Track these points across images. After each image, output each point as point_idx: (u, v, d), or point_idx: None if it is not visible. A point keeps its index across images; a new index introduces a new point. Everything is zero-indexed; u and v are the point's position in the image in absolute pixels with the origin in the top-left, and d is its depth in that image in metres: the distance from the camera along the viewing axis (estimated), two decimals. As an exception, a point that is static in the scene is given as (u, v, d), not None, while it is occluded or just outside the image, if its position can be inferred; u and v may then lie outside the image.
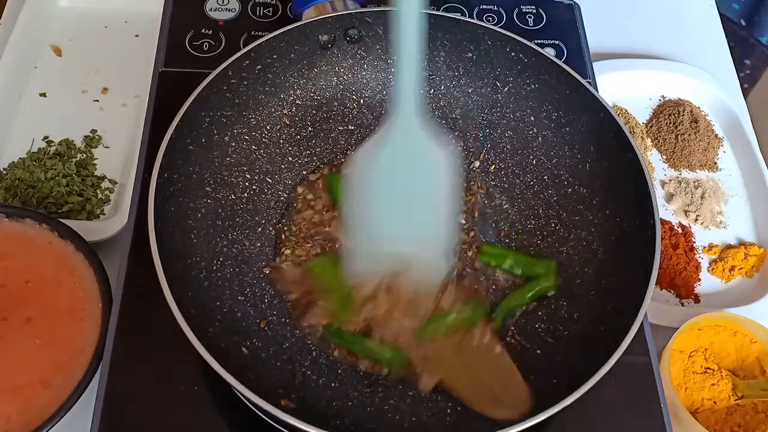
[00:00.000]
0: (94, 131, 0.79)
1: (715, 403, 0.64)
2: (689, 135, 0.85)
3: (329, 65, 0.69)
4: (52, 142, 0.78)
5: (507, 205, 0.68)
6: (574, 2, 0.84)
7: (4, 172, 0.75)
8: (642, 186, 0.59)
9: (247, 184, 0.64)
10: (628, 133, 0.61)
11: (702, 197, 0.81)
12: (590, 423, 0.58)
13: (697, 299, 0.75)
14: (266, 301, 0.61)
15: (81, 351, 0.59)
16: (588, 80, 0.76)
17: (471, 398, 0.55)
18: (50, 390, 0.57)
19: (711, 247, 0.79)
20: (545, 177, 0.67)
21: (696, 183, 0.83)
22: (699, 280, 0.76)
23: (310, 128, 0.69)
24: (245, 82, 0.64)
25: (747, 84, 0.94)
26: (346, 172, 0.56)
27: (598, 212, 0.63)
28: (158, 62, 0.74)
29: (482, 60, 0.68)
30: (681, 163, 0.85)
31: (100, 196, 0.75)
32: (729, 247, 0.79)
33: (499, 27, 0.68)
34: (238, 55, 0.63)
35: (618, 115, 0.63)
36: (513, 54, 0.67)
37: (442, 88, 0.70)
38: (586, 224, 0.63)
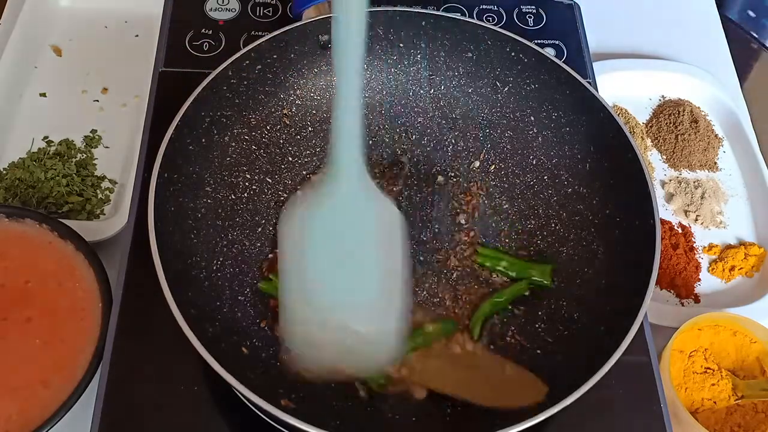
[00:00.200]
0: (94, 131, 0.79)
1: (715, 403, 0.64)
2: (689, 135, 0.85)
3: (329, 65, 0.69)
4: (52, 142, 0.78)
5: (507, 205, 0.68)
6: (574, 2, 0.84)
7: (4, 172, 0.75)
8: (642, 186, 0.59)
9: (247, 184, 0.64)
10: (628, 133, 0.61)
11: (702, 197, 0.81)
12: (590, 423, 0.58)
13: (697, 299, 0.75)
14: (266, 301, 0.61)
15: (81, 351, 0.59)
16: (588, 80, 0.76)
17: (482, 399, 0.54)
18: (50, 390, 0.57)
19: (711, 247, 0.79)
20: (545, 177, 0.67)
21: (696, 183, 0.83)
22: (699, 280, 0.76)
23: (310, 128, 0.69)
24: (245, 82, 0.64)
25: (747, 84, 0.94)
26: (281, 229, 0.51)
27: (598, 212, 0.63)
28: (158, 62, 0.74)
29: (482, 60, 0.68)
30: (681, 163, 0.85)
31: (100, 196, 0.75)
32: (729, 247, 0.79)
33: (499, 27, 0.68)
34: (238, 55, 0.63)
35: (618, 115, 0.63)
36: (513, 54, 0.67)
37: (442, 88, 0.70)
38: (586, 224, 0.63)
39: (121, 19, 0.89)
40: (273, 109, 0.67)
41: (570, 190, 0.65)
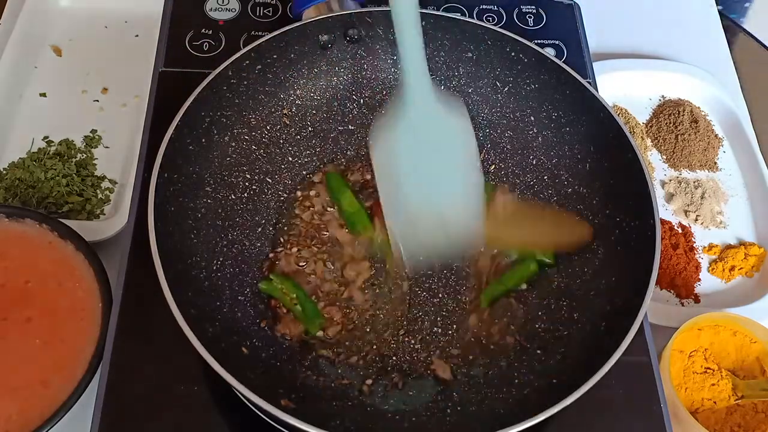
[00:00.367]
0: (94, 131, 0.79)
1: (715, 403, 0.64)
2: (689, 135, 0.85)
3: (329, 65, 0.69)
4: (52, 142, 0.78)
5: (507, 205, 0.68)
6: (574, 2, 0.84)
7: (4, 172, 0.75)
8: (642, 186, 0.59)
9: (247, 184, 0.64)
10: (628, 133, 0.61)
11: (702, 197, 0.81)
12: (590, 423, 0.58)
13: (697, 299, 0.75)
14: (266, 301, 0.61)
15: (81, 351, 0.59)
16: (588, 80, 0.76)
17: (535, 246, 0.62)
18: (50, 390, 0.57)
19: (711, 247, 0.79)
20: (545, 177, 0.67)
21: (696, 183, 0.83)
22: (699, 280, 0.76)
23: (310, 128, 0.69)
24: (245, 82, 0.64)
25: (747, 84, 0.94)
26: (371, 153, 0.57)
27: (598, 212, 0.63)
28: (158, 62, 0.74)
29: (482, 60, 0.68)
30: (681, 163, 0.85)
31: (100, 196, 0.75)
32: (729, 247, 0.79)
33: (499, 27, 0.68)
34: (238, 55, 0.63)
35: (618, 115, 0.63)
36: (513, 54, 0.67)
37: (442, 88, 0.70)
38: (586, 224, 0.63)
39: (121, 19, 0.89)
40: (273, 109, 0.67)
41: (570, 190, 0.65)
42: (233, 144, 0.64)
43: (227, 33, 0.78)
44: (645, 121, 0.88)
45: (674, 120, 0.86)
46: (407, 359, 0.59)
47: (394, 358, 0.59)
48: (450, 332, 0.61)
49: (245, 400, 0.52)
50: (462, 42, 0.68)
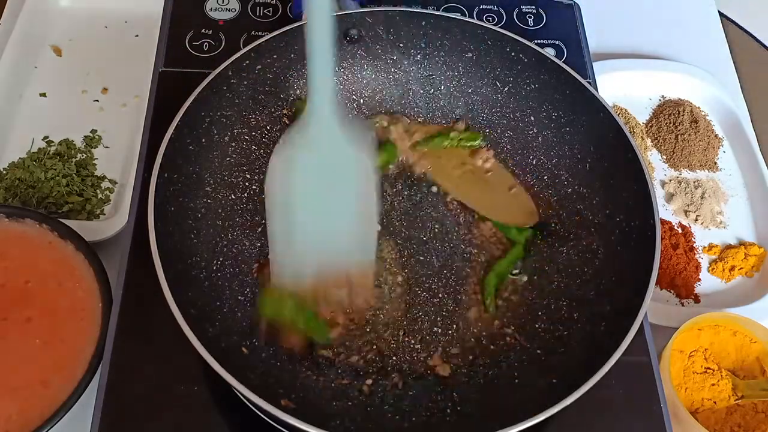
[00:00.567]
0: (94, 131, 0.79)
1: (715, 403, 0.64)
2: (689, 135, 0.85)
3: (329, 65, 0.69)
4: (52, 142, 0.78)
5: (507, 205, 0.68)
6: (574, 2, 0.84)
7: (4, 172, 0.75)
8: (642, 186, 0.59)
9: (247, 184, 0.64)
10: (628, 133, 0.61)
11: (702, 197, 0.81)
12: (590, 423, 0.58)
13: (697, 299, 0.75)
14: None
15: (81, 351, 0.59)
16: (588, 80, 0.76)
17: (482, 209, 0.66)
18: (50, 390, 0.57)
19: (711, 247, 0.79)
20: (545, 177, 0.67)
21: (696, 183, 0.83)
22: (699, 280, 0.76)
23: (310, 128, 0.69)
24: (245, 82, 0.64)
25: (747, 84, 0.94)
26: (267, 176, 0.55)
27: (598, 212, 0.63)
28: (158, 62, 0.74)
29: (482, 60, 0.68)
30: (681, 163, 0.85)
31: (100, 196, 0.75)
32: (729, 247, 0.79)
33: (499, 27, 0.68)
34: (238, 55, 0.63)
35: (618, 115, 0.63)
36: (513, 54, 0.67)
37: (442, 88, 0.70)
38: (586, 224, 0.63)
39: (121, 19, 0.89)
40: (273, 109, 0.67)
41: (570, 190, 0.65)
42: (233, 144, 0.64)
43: (227, 33, 0.78)
44: (645, 121, 0.88)
45: (674, 120, 0.86)
46: (407, 359, 0.59)
47: (394, 358, 0.59)
48: (450, 332, 0.61)
49: (245, 400, 0.52)
50: (462, 42, 0.68)
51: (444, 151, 0.69)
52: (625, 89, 0.89)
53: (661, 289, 0.75)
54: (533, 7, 0.84)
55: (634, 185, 0.59)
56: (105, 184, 0.76)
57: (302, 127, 0.52)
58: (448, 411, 0.55)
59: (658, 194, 0.82)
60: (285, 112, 0.68)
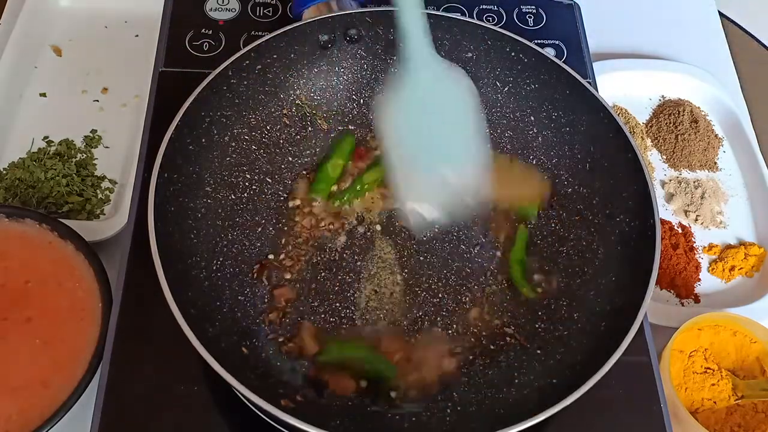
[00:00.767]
0: (94, 131, 0.79)
1: (715, 403, 0.64)
2: (689, 135, 0.85)
3: (329, 65, 0.69)
4: (52, 142, 0.78)
5: (507, 205, 0.68)
6: (574, 2, 0.84)
7: (4, 172, 0.75)
8: (642, 186, 0.59)
9: (247, 184, 0.64)
10: (628, 133, 0.61)
11: (702, 197, 0.81)
12: (590, 423, 0.58)
13: (697, 299, 0.75)
14: (266, 300, 0.61)
15: (81, 351, 0.59)
16: (588, 80, 0.76)
17: (502, 195, 0.66)
18: (50, 390, 0.57)
19: (711, 247, 0.79)
20: (545, 177, 0.67)
21: (696, 183, 0.83)
22: (699, 280, 0.76)
23: (310, 128, 0.69)
24: (245, 82, 0.64)
25: (747, 84, 0.94)
26: (377, 116, 0.60)
27: (598, 212, 0.63)
28: (158, 62, 0.74)
29: (482, 60, 0.68)
30: (681, 163, 0.85)
31: (100, 196, 0.75)
32: (729, 247, 0.79)
33: (499, 27, 0.68)
34: (238, 55, 0.63)
35: (618, 115, 0.63)
36: (513, 54, 0.67)
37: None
38: (586, 224, 0.63)
39: (121, 19, 0.89)
40: (273, 109, 0.67)
41: (570, 190, 0.65)
42: (233, 144, 0.64)
43: (227, 33, 0.78)
44: (645, 121, 0.88)
45: (674, 120, 0.86)
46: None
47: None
48: (450, 332, 0.61)
49: (245, 400, 0.52)
50: (462, 42, 0.68)
51: None
52: (625, 89, 0.89)
53: (661, 289, 0.75)
54: (533, 7, 0.84)
55: (634, 185, 0.59)
56: (105, 184, 0.76)
57: (405, 70, 0.56)
58: (448, 411, 0.55)
59: (658, 194, 0.82)
60: (285, 112, 0.68)
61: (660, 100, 0.90)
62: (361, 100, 0.70)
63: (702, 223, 0.80)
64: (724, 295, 0.76)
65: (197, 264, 0.57)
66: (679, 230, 0.79)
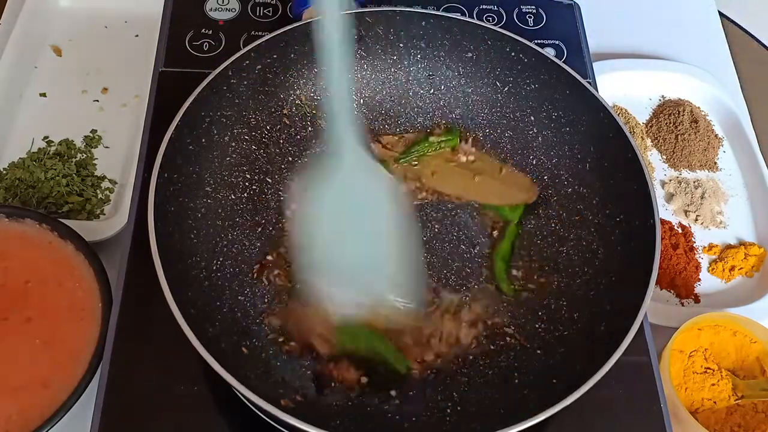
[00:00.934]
0: (94, 131, 0.79)
1: (715, 403, 0.64)
2: (689, 135, 0.85)
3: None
4: (52, 142, 0.78)
5: (507, 205, 0.68)
6: (574, 2, 0.84)
7: (4, 172, 0.75)
8: (642, 186, 0.59)
9: (247, 184, 0.64)
10: (628, 133, 0.61)
11: (702, 197, 0.81)
12: (590, 423, 0.58)
13: (697, 299, 0.75)
14: (266, 300, 0.61)
15: (81, 351, 0.59)
16: (588, 80, 0.76)
17: (483, 198, 0.66)
18: (50, 390, 0.57)
19: (711, 247, 0.79)
20: (545, 177, 0.67)
21: (696, 183, 0.83)
22: (699, 280, 0.76)
23: (310, 128, 0.69)
24: (245, 82, 0.64)
25: (747, 84, 0.94)
26: (289, 212, 0.57)
27: (598, 212, 0.63)
28: (158, 62, 0.74)
29: (482, 60, 0.68)
30: (681, 163, 0.85)
31: (100, 196, 0.75)
32: (729, 247, 0.79)
33: (499, 27, 0.68)
34: (238, 55, 0.63)
35: (618, 115, 0.63)
36: (513, 54, 0.67)
37: (442, 88, 0.70)
38: (586, 224, 0.63)
39: (121, 19, 0.89)
40: (273, 109, 0.67)
41: (570, 190, 0.65)
42: (233, 144, 0.64)
43: (227, 33, 0.78)
44: (645, 121, 0.88)
45: (674, 120, 0.86)
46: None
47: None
48: (450, 331, 0.61)
49: (245, 400, 0.52)
50: (462, 42, 0.68)
51: (427, 158, 0.69)
52: (625, 89, 0.89)
53: (661, 289, 0.75)
54: (533, 7, 0.84)
55: (634, 185, 0.59)
56: (105, 184, 0.76)
57: (326, 155, 0.54)
58: (448, 411, 0.55)
59: (658, 194, 0.82)
60: (285, 112, 0.68)
61: (660, 100, 0.90)
62: (361, 100, 0.70)
63: (702, 223, 0.80)
64: (724, 295, 0.76)
65: (197, 264, 0.57)
66: (679, 230, 0.79)
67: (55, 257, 0.63)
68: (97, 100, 0.83)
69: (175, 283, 0.51)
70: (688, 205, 0.81)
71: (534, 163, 0.68)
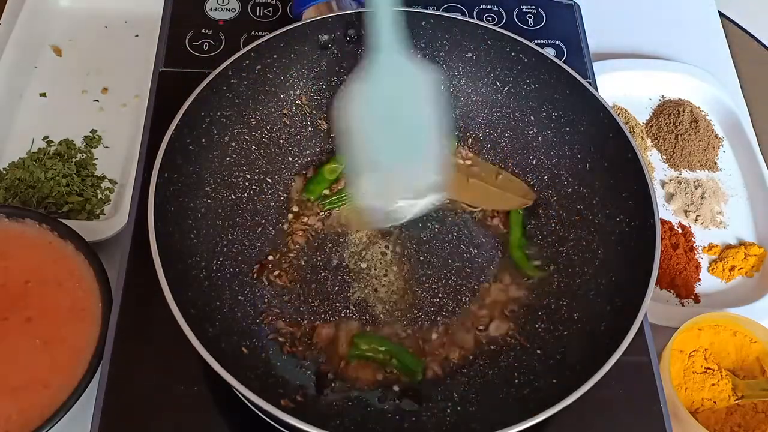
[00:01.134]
0: (94, 131, 0.79)
1: (715, 403, 0.64)
2: (689, 135, 0.85)
3: (329, 65, 0.69)
4: (52, 142, 0.78)
5: (507, 205, 0.68)
6: (574, 2, 0.84)
7: (4, 172, 0.75)
8: (642, 186, 0.59)
9: (247, 184, 0.64)
10: (628, 133, 0.61)
11: (702, 197, 0.81)
12: (590, 423, 0.58)
13: (697, 299, 0.75)
14: (266, 300, 0.61)
15: (81, 351, 0.59)
16: (588, 80, 0.76)
17: (480, 203, 0.67)
18: (50, 390, 0.57)
19: (711, 247, 0.79)
20: (545, 177, 0.67)
21: (696, 183, 0.83)
22: (699, 280, 0.76)
23: (310, 128, 0.69)
24: (245, 82, 0.64)
25: (747, 84, 0.94)
26: (337, 108, 0.58)
27: (598, 212, 0.63)
28: (158, 62, 0.74)
29: (482, 60, 0.68)
30: (681, 163, 0.85)
31: (100, 196, 0.75)
32: (729, 247, 0.79)
33: (499, 27, 0.68)
34: (238, 55, 0.63)
35: (618, 115, 0.63)
36: (513, 54, 0.67)
37: (442, 88, 0.70)
38: (586, 224, 0.63)
39: (121, 19, 0.89)
40: (273, 109, 0.67)
41: (570, 190, 0.65)
42: (233, 144, 0.64)
43: (227, 33, 0.78)
44: (645, 121, 0.88)
45: (674, 120, 0.86)
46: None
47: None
48: (450, 332, 0.61)
49: (245, 400, 0.52)
50: (462, 42, 0.68)
51: None
52: (625, 89, 0.89)
53: (661, 289, 0.75)
54: (533, 7, 0.84)
55: (634, 185, 0.59)
56: (105, 184, 0.76)
57: (372, 62, 0.55)
58: (448, 411, 0.55)
59: (658, 194, 0.82)
60: (285, 112, 0.68)
61: (660, 100, 0.90)
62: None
63: (702, 223, 0.80)
64: (724, 295, 0.76)
65: (197, 264, 0.57)
66: (679, 230, 0.79)
67: (55, 257, 0.63)
68: (97, 100, 0.83)
69: (175, 283, 0.51)
70: (688, 205, 0.81)
71: (534, 163, 0.68)
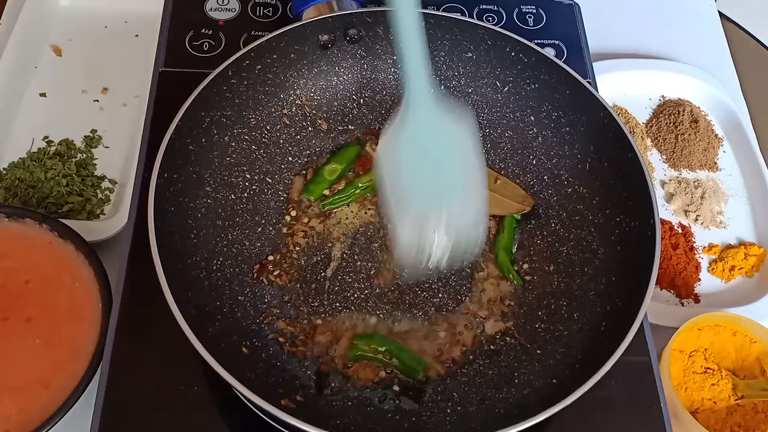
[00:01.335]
0: (94, 131, 0.79)
1: (715, 403, 0.64)
2: (689, 135, 0.85)
3: (329, 65, 0.69)
4: (52, 142, 0.78)
5: (507, 205, 0.68)
6: (574, 2, 0.84)
7: (4, 172, 0.75)
8: (642, 186, 0.59)
9: (247, 184, 0.64)
10: (628, 133, 0.61)
11: (702, 197, 0.81)
12: (590, 423, 0.58)
13: (697, 299, 0.75)
14: (266, 300, 0.61)
15: (81, 351, 0.59)
16: (588, 80, 0.76)
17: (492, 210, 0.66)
18: (50, 390, 0.57)
19: (711, 247, 0.79)
20: (545, 177, 0.67)
21: (696, 183, 0.83)
22: (699, 280, 0.76)
23: (310, 128, 0.69)
24: (245, 82, 0.64)
25: (747, 84, 0.94)
26: (375, 160, 0.58)
27: (598, 212, 0.63)
28: (158, 62, 0.74)
29: (482, 60, 0.68)
30: (681, 163, 0.85)
31: (100, 196, 0.75)
32: (729, 247, 0.79)
33: (499, 27, 0.68)
34: (238, 55, 0.63)
35: (618, 115, 0.63)
36: (513, 54, 0.67)
37: (442, 88, 0.70)
38: (586, 224, 0.63)
39: (121, 19, 0.89)
40: (273, 109, 0.67)
41: (570, 190, 0.65)
42: (233, 144, 0.64)
43: (227, 33, 0.78)
44: (645, 121, 0.88)
45: (674, 120, 0.86)
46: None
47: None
48: (450, 331, 0.61)
49: (245, 400, 0.52)
50: (462, 42, 0.68)
51: None
52: (625, 89, 0.89)
53: (661, 289, 0.75)
54: (533, 7, 0.84)
55: (634, 185, 0.59)
56: (105, 184, 0.76)
57: (405, 113, 0.55)
58: (448, 411, 0.55)
59: (658, 194, 0.82)
60: (285, 112, 0.68)
61: (660, 100, 0.90)
62: (361, 100, 0.71)
63: (702, 223, 0.80)
64: (724, 295, 0.76)
65: (197, 264, 0.57)
66: (679, 230, 0.79)
67: (55, 257, 0.63)
68: (97, 100, 0.83)
69: (175, 283, 0.51)
70: (688, 205, 0.81)
71: (534, 163, 0.68)
